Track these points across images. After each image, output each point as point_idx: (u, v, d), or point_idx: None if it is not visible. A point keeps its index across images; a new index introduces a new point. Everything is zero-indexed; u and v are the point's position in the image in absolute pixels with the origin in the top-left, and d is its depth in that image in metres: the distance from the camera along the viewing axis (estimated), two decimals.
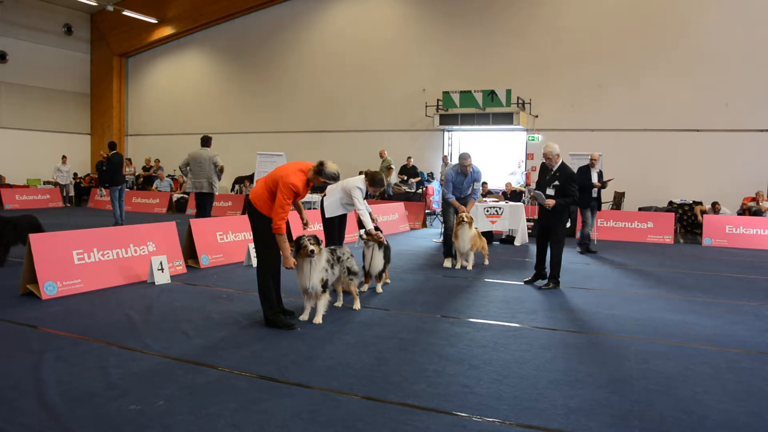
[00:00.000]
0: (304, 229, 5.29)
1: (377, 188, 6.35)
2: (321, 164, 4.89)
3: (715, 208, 12.87)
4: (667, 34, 14.51)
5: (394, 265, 7.96)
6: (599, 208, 10.46)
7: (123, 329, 4.90)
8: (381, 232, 6.56)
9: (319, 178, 4.91)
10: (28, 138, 20.83)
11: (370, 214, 6.47)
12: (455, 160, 10.86)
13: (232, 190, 18.96)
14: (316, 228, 8.52)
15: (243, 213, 12.34)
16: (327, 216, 6.57)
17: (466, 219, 7.96)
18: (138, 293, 6.28)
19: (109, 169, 12.19)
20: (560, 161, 6.86)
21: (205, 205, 10.59)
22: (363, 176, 6.43)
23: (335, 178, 4.95)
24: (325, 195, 6.69)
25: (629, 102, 14.88)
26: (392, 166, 15.19)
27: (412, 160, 16.28)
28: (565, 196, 6.73)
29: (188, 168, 10.47)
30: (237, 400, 3.43)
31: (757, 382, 3.86)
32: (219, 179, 10.60)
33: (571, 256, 9.62)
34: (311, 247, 4.90)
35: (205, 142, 10.56)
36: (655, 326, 5.26)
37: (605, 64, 15.13)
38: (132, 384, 3.66)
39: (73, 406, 3.33)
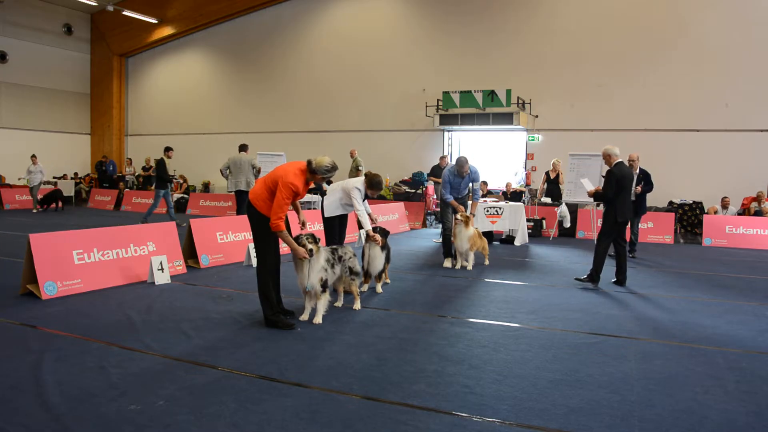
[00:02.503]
0: (302, 229, 5.30)
1: (375, 191, 6.34)
2: (309, 163, 4.88)
3: (723, 201, 12.92)
4: (667, 34, 14.50)
5: (394, 265, 7.96)
6: (637, 214, 9.49)
7: (123, 329, 4.90)
8: (387, 232, 6.58)
9: (317, 176, 4.91)
10: (28, 138, 20.80)
11: (370, 214, 6.48)
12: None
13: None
14: (316, 228, 8.52)
15: (238, 213, 12.74)
16: (326, 215, 6.58)
17: (461, 218, 7.98)
18: (138, 293, 6.28)
19: (156, 173, 13.14)
20: (617, 161, 7.14)
21: (242, 202, 12.11)
22: (363, 177, 6.43)
23: (330, 170, 4.89)
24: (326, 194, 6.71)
25: (629, 102, 14.88)
26: (361, 167, 14.61)
27: (446, 160, 15.50)
28: (604, 191, 7.18)
29: (228, 170, 12.07)
30: (237, 400, 3.43)
31: (757, 382, 3.86)
32: (256, 179, 11.99)
33: (573, 256, 9.63)
34: (309, 246, 4.91)
35: (243, 147, 12.22)
36: (655, 326, 5.26)
37: (605, 64, 15.12)
38: (132, 384, 3.66)
39: (73, 406, 3.33)
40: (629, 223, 9.45)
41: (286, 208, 4.79)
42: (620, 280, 7.18)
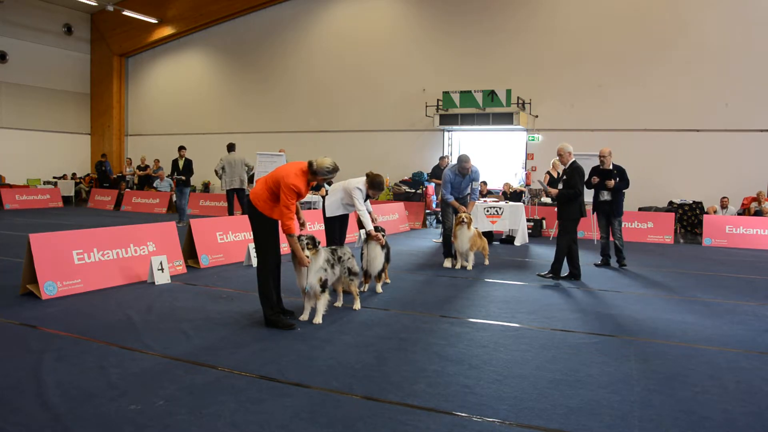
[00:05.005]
0: (301, 229, 5.30)
1: (377, 192, 6.34)
2: (310, 164, 4.91)
3: (722, 202, 12.93)
4: (667, 34, 14.50)
5: (394, 265, 7.96)
6: (615, 215, 8.70)
7: (123, 329, 4.90)
8: (384, 232, 6.58)
9: (318, 177, 4.93)
10: (28, 138, 20.79)
11: (370, 213, 6.48)
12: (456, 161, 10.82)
13: None
14: (316, 228, 8.52)
15: (231, 213, 13.15)
16: (327, 215, 6.58)
17: (465, 219, 7.97)
18: (138, 293, 6.28)
19: (182, 172, 13.84)
20: (572, 159, 7.46)
21: (232, 199, 13.01)
22: (365, 177, 6.42)
23: (331, 171, 4.93)
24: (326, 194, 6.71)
25: (629, 102, 14.87)
26: None
27: (447, 160, 14.40)
28: (568, 188, 7.30)
29: (223, 169, 12.82)
30: (237, 400, 3.43)
31: (757, 382, 3.86)
32: (249, 176, 13.04)
33: None
34: (307, 252, 4.93)
35: (232, 147, 13.03)
36: (655, 326, 5.26)
37: (605, 64, 15.12)
38: (132, 384, 3.66)
39: (73, 406, 3.33)
40: (611, 228, 8.86)
41: (293, 208, 4.83)
42: (576, 274, 7.46)
